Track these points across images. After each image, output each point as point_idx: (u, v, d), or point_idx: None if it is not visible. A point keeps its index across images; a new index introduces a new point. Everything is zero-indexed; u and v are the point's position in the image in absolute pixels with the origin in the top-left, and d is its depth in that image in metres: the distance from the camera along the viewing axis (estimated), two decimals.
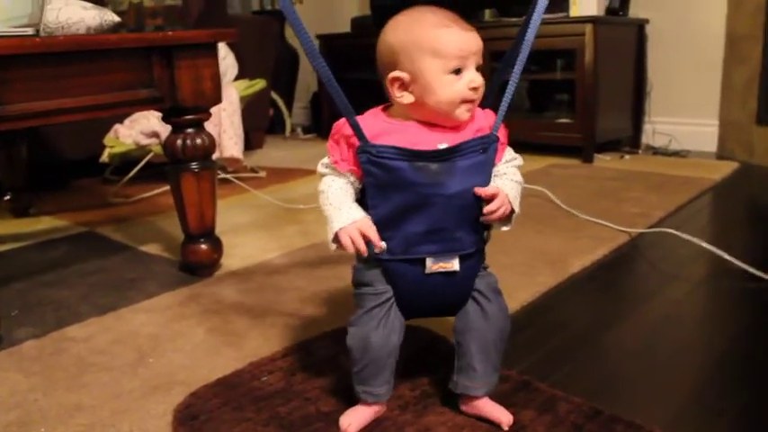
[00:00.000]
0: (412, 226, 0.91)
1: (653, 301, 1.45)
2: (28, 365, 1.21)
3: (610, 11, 3.04)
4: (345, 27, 4.00)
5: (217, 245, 1.66)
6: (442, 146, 0.90)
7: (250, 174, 2.83)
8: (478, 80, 0.89)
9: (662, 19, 3.13)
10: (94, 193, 2.70)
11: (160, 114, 1.59)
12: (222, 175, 2.50)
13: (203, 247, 1.62)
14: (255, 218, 2.19)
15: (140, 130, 2.55)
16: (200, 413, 1.02)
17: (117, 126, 2.64)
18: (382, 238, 0.90)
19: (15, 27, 1.35)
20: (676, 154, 3.04)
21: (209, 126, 1.63)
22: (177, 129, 1.55)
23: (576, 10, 2.93)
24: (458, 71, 0.89)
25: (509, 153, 0.98)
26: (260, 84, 2.90)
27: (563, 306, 1.43)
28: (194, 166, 1.56)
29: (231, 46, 2.83)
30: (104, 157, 2.60)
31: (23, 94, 1.29)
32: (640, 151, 3.15)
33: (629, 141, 3.24)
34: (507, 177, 0.96)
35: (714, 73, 3.04)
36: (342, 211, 0.91)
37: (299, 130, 4.29)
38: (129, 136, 2.58)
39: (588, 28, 2.81)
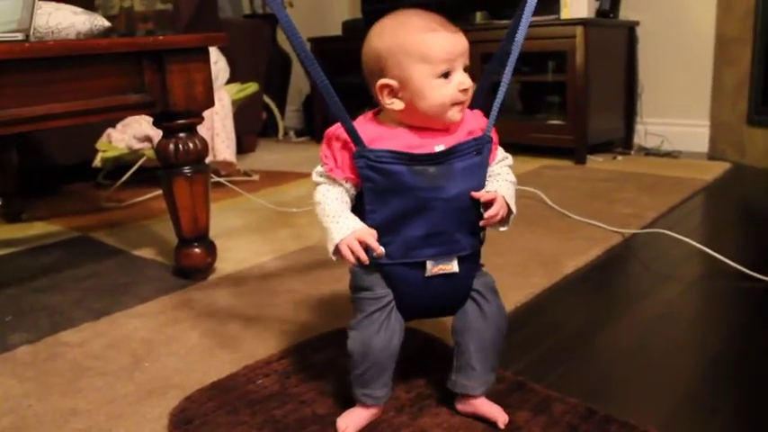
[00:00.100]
0: (411, 230, 0.91)
1: (646, 301, 1.45)
2: (22, 371, 1.21)
3: (600, 13, 3.06)
4: (336, 30, 4.00)
5: (210, 248, 1.66)
6: (439, 148, 0.90)
7: (243, 177, 2.83)
8: (467, 82, 0.89)
9: (652, 21, 3.15)
10: (87, 197, 2.69)
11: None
12: (215, 179, 2.50)
13: (197, 250, 1.62)
14: (249, 221, 2.19)
15: (133, 134, 2.55)
16: (195, 417, 1.02)
17: (109, 130, 2.63)
18: (381, 243, 0.90)
19: (5, 32, 1.35)
20: (668, 155, 3.05)
21: (201, 130, 1.63)
22: (169, 133, 1.55)
23: (566, 12, 2.94)
24: (446, 74, 0.88)
25: (500, 152, 0.98)
26: (252, 87, 2.90)
27: (557, 307, 1.43)
28: (187, 170, 1.55)
29: (223, 50, 2.83)
30: (97, 162, 2.59)
31: (13, 100, 1.28)
32: (632, 152, 3.16)
33: (622, 142, 3.26)
34: (501, 178, 0.96)
35: (704, 74, 3.06)
36: (339, 222, 0.90)
37: (291, 133, 4.28)
38: (121, 140, 2.57)
39: (579, 30, 2.82)
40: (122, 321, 1.41)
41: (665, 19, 3.12)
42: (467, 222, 0.93)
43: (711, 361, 1.17)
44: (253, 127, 3.64)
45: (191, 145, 1.54)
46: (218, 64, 2.79)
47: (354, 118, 0.93)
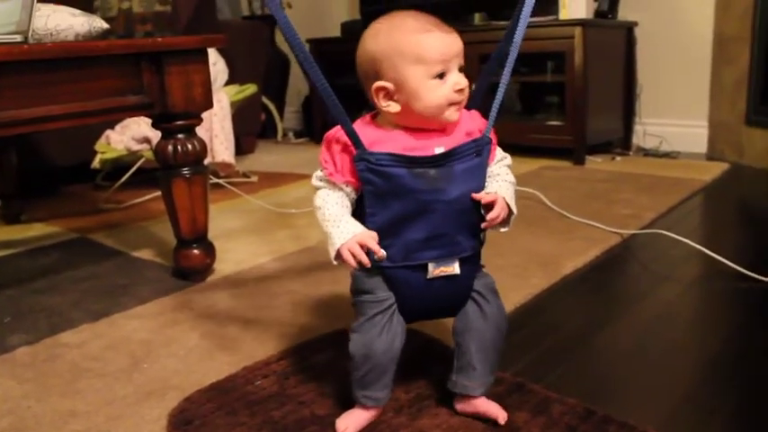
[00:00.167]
0: (412, 233, 0.91)
1: (645, 301, 1.45)
2: (21, 372, 1.21)
3: (599, 14, 3.06)
4: (335, 31, 4.00)
5: (209, 250, 1.66)
6: (439, 150, 0.90)
7: (242, 179, 2.83)
8: (463, 82, 0.89)
9: (650, 21, 3.15)
10: (86, 199, 2.69)
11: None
12: (214, 180, 2.49)
13: (196, 252, 1.62)
14: (248, 222, 2.19)
15: (132, 135, 2.55)
16: (194, 418, 1.01)
17: (108, 132, 2.63)
18: (382, 247, 0.90)
19: (3, 34, 1.34)
20: (667, 155, 3.05)
21: (200, 131, 1.63)
22: (168, 134, 1.54)
23: (565, 13, 2.95)
24: (441, 75, 0.88)
25: (499, 152, 0.98)
26: (251, 89, 2.90)
27: (556, 307, 1.43)
28: (186, 171, 1.55)
29: (221, 51, 2.83)
30: (96, 163, 2.59)
31: (12, 101, 1.28)
32: (631, 153, 3.17)
33: (620, 143, 3.26)
34: (501, 178, 0.96)
35: (703, 75, 3.07)
36: (340, 226, 0.90)
37: (290, 134, 4.29)
38: (120, 142, 2.57)
39: (577, 31, 2.82)
40: (121, 323, 1.41)
41: (664, 19, 3.13)
42: (468, 224, 0.93)
43: (710, 361, 1.17)
44: (251, 128, 3.64)
45: (189, 146, 1.54)
46: (217, 65, 2.79)
47: (353, 120, 0.92)
